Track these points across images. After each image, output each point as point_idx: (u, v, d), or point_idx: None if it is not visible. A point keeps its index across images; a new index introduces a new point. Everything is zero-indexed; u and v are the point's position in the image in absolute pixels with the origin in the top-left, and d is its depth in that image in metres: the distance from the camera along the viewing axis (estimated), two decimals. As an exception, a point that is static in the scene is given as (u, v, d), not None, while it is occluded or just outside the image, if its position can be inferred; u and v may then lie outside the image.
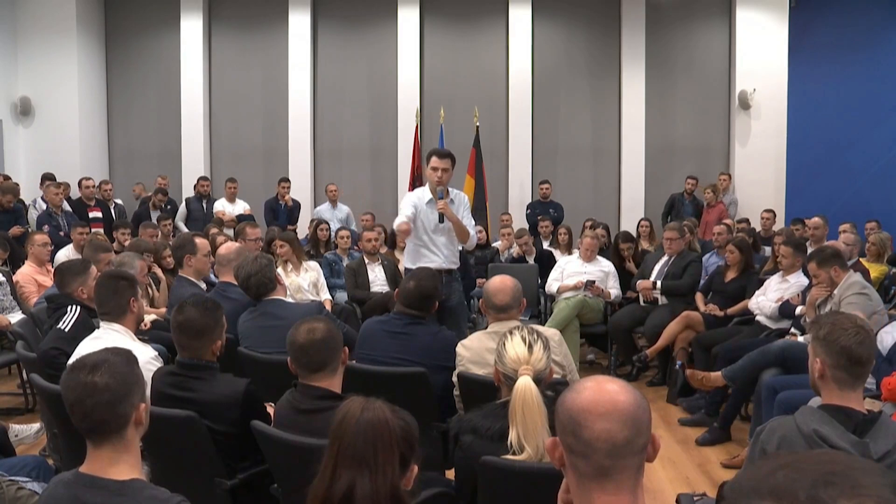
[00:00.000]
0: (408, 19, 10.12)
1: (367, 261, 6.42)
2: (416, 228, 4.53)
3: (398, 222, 4.43)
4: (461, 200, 4.67)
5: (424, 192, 4.65)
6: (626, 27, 10.13)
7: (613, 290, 6.20)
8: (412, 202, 4.58)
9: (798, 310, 4.83)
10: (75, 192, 8.83)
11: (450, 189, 4.59)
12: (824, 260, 4.31)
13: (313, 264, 6.13)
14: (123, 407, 1.72)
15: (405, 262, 4.75)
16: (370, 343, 3.43)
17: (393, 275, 6.31)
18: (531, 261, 7.27)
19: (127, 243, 6.14)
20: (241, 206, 9.14)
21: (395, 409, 1.71)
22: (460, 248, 4.79)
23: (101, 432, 1.71)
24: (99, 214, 8.44)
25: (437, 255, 4.57)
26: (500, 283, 3.16)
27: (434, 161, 4.51)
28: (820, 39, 9.74)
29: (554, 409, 1.40)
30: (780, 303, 5.04)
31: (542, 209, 9.17)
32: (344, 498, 1.59)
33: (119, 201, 9.32)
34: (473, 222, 4.73)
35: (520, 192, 10.16)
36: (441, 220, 4.49)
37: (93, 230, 7.63)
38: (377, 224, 7.22)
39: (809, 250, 6.12)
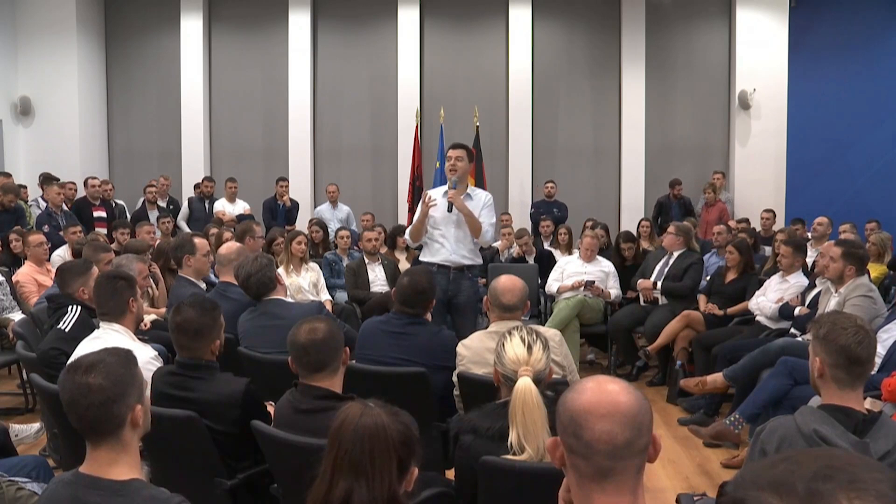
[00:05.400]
0: (408, 19, 10.12)
1: (367, 261, 6.43)
2: (430, 219, 4.60)
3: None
4: (481, 198, 4.68)
5: (443, 187, 4.71)
6: (626, 27, 10.12)
7: (613, 290, 6.19)
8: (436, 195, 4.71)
9: (797, 311, 4.83)
10: (81, 192, 8.81)
11: (472, 188, 4.77)
12: (848, 255, 4.27)
13: (314, 265, 6.14)
14: (118, 408, 1.70)
15: (422, 255, 4.81)
16: (370, 343, 3.42)
17: (393, 275, 6.32)
18: (531, 261, 7.26)
19: (125, 243, 6.13)
20: (240, 206, 9.14)
21: (395, 413, 1.70)
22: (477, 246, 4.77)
23: (96, 433, 1.70)
24: (103, 214, 8.41)
25: (444, 247, 4.57)
26: (509, 283, 3.15)
27: (449, 152, 4.69)
28: (820, 39, 9.74)
29: (554, 409, 1.40)
30: (779, 303, 5.03)
31: (547, 208, 9.16)
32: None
33: (120, 201, 9.31)
34: (494, 220, 4.71)
35: (520, 192, 10.16)
36: (449, 209, 4.50)
37: (97, 229, 7.63)
38: (377, 224, 7.22)
39: (810, 251, 6.12)
